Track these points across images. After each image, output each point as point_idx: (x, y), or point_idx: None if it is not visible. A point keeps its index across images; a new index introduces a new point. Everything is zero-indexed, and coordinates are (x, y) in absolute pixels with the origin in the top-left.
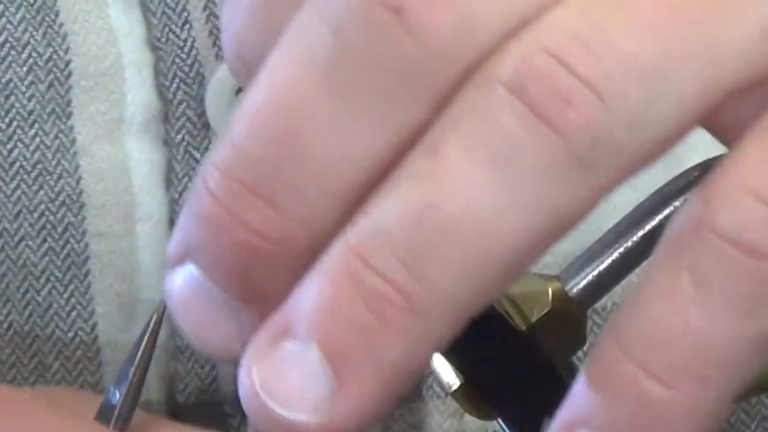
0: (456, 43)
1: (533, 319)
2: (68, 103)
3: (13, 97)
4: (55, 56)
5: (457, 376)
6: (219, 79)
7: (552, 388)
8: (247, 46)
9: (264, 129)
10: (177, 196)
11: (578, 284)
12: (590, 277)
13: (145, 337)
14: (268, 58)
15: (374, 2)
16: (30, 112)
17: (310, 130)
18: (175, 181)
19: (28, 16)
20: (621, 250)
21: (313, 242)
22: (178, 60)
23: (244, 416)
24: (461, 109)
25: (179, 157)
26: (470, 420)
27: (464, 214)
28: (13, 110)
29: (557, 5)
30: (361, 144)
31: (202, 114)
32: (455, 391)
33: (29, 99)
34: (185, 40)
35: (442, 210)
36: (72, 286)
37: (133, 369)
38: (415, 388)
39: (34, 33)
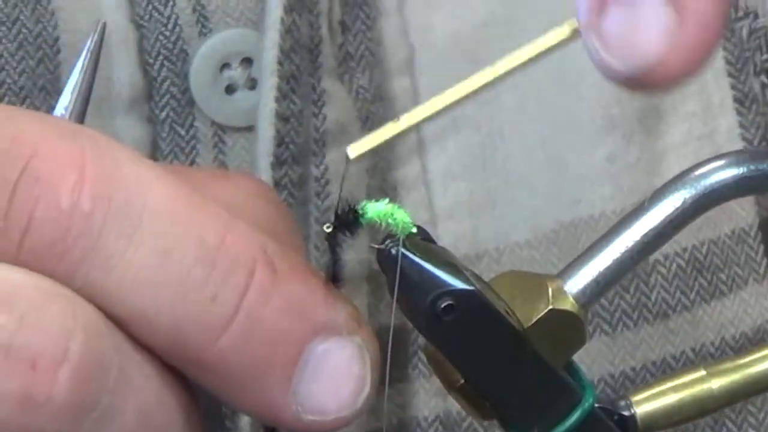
0: None
1: (533, 319)
2: (57, 79)
3: (4, 72)
4: (44, 32)
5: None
6: (203, 55)
7: (551, 387)
8: None
9: None
10: None
11: (578, 284)
12: (590, 277)
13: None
14: None
15: None
16: (21, 88)
17: None
18: (160, 159)
19: None
20: (621, 250)
21: None
22: (161, 37)
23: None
24: None
25: (164, 135)
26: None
27: None
28: (5, 85)
29: None
30: None
31: (186, 91)
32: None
33: (20, 74)
34: (169, 17)
35: None
36: None
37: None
38: (402, 368)
39: (24, 9)
